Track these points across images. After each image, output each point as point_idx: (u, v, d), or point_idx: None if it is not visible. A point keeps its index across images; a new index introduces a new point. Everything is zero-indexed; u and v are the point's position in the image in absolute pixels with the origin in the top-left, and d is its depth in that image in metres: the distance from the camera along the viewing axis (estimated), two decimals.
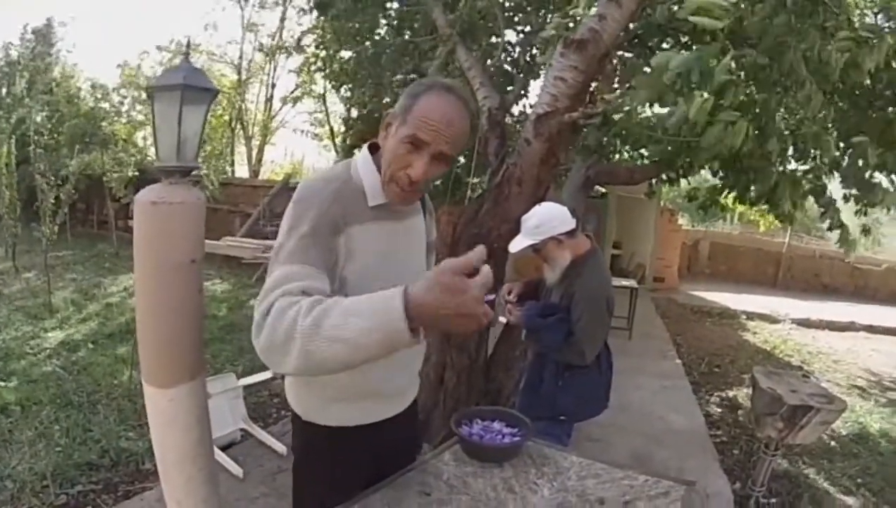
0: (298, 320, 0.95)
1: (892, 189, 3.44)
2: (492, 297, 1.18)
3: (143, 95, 14.06)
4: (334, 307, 0.95)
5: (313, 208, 1.20)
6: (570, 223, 2.34)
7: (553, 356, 2.47)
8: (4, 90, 12.74)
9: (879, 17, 3.73)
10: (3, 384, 4.25)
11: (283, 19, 14.39)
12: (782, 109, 3.29)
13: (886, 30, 3.19)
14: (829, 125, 3.35)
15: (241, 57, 17.38)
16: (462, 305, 0.88)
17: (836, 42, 2.51)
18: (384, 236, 1.31)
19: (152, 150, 12.90)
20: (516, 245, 2.40)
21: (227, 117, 16.99)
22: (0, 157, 8.00)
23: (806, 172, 3.83)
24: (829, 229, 3.74)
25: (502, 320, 2.59)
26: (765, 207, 3.68)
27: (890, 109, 3.50)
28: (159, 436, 1.77)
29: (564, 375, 2.44)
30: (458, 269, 0.90)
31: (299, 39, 6.16)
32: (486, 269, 0.92)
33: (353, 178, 1.30)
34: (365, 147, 1.35)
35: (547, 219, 2.33)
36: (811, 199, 3.81)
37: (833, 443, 4.37)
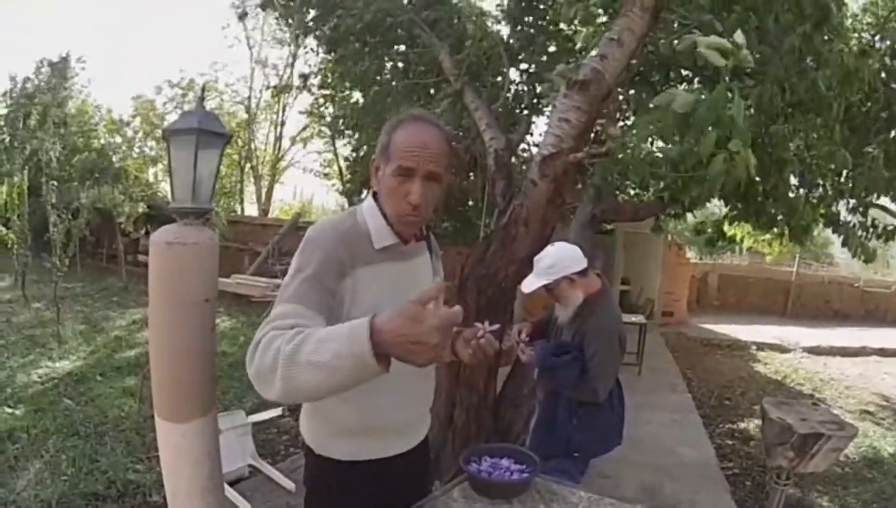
0: (281, 348, 1.01)
1: None
2: (496, 327, 1.20)
3: (155, 130, 14.31)
4: (312, 335, 1.02)
5: (320, 251, 1.27)
6: (582, 263, 2.39)
7: (567, 394, 2.48)
8: (20, 123, 12.93)
9: (876, 38, 3.84)
10: (10, 410, 4.26)
11: (292, 56, 14.65)
12: (797, 136, 3.35)
13: (881, 49, 3.28)
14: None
15: (249, 97, 17.73)
16: (420, 334, 0.93)
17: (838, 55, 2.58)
18: (391, 277, 1.36)
19: (163, 185, 13.10)
20: (529, 285, 2.43)
21: (236, 156, 17.18)
22: (13, 187, 8.11)
23: (819, 201, 3.87)
24: (855, 256, 3.79)
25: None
26: (776, 232, 3.70)
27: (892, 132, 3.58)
28: (171, 470, 1.79)
29: (578, 413, 2.45)
30: (417, 300, 0.96)
31: (306, 78, 6.26)
32: (457, 308, 0.98)
33: (359, 222, 1.37)
34: (370, 193, 1.43)
35: (559, 259, 2.38)
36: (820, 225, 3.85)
37: (847, 469, 4.32)
